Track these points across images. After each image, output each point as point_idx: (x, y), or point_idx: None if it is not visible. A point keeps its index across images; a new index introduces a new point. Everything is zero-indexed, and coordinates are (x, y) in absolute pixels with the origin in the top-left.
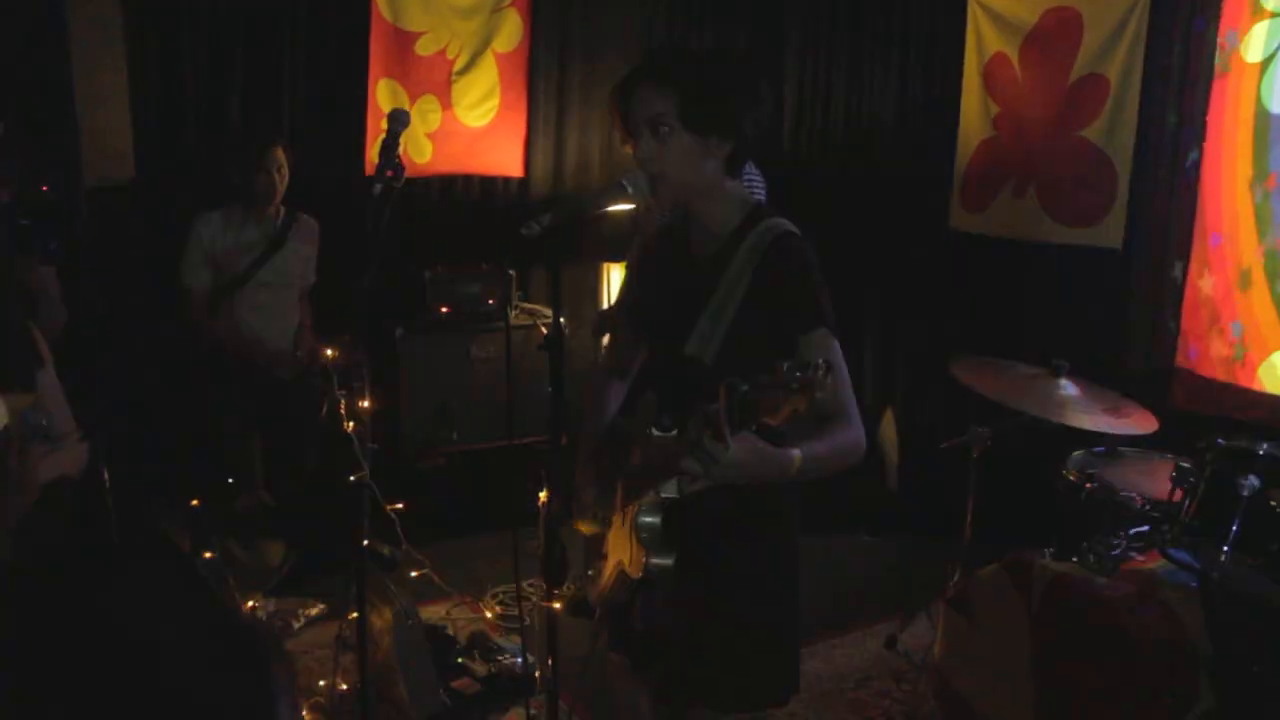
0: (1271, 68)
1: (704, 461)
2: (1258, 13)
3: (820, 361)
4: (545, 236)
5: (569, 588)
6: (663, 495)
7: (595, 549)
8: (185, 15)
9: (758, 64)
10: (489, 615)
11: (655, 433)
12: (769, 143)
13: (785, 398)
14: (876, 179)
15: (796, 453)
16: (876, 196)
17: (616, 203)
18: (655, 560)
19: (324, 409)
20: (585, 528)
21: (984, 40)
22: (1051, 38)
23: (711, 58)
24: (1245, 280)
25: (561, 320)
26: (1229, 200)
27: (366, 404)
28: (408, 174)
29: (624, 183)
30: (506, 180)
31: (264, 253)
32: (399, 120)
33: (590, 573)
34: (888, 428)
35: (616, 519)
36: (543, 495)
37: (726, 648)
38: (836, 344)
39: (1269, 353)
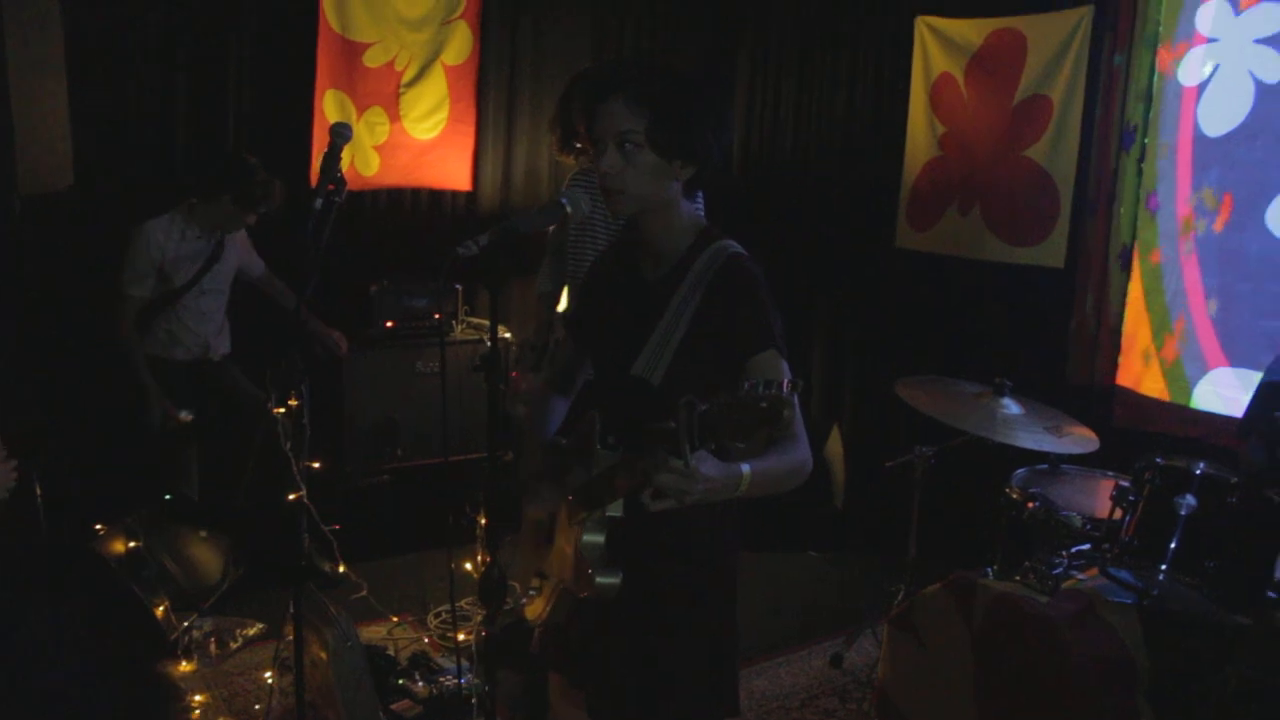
0: (1207, 91)
1: (680, 480)
2: (1194, 37)
3: (787, 380)
4: (482, 256)
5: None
6: (607, 514)
7: (533, 568)
8: (128, 21)
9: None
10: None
11: (601, 451)
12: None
13: (755, 419)
14: (824, 198)
15: (746, 468)
16: (824, 215)
17: (555, 222)
18: (601, 579)
19: (261, 426)
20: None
21: (930, 61)
22: (996, 59)
23: (684, 81)
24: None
25: (508, 336)
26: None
27: (305, 420)
28: (355, 187)
29: (563, 201)
30: (454, 194)
31: (208, 261)
32: (340, 134)
33: (530, 593)
34: (834, 445)
35: (559, 538)
36: (480, 516)
37: (661, 668)
38: (785, 365)
39: (1204, 371)
